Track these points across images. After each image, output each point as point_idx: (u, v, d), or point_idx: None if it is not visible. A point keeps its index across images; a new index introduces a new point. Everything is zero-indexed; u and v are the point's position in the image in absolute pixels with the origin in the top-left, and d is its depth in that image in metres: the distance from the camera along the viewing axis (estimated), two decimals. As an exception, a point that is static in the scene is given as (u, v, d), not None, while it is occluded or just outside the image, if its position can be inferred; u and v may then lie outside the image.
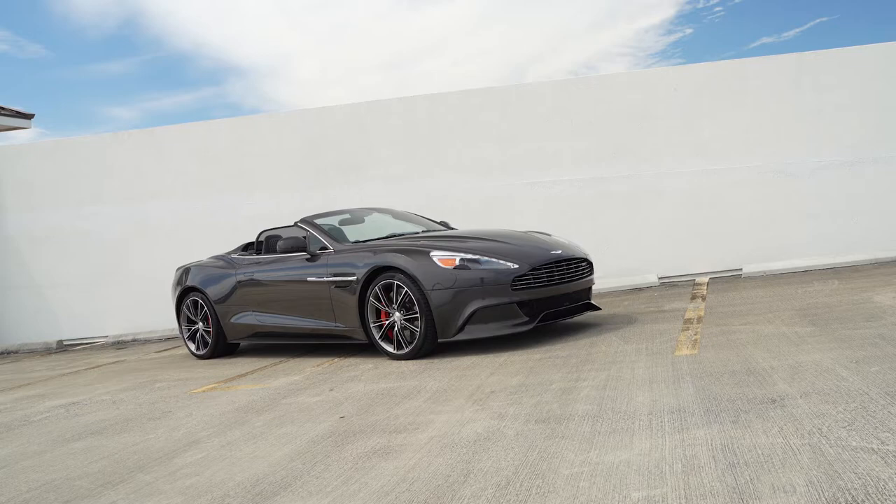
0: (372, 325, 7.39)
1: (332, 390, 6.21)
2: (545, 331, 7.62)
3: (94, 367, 9.83)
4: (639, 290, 10.79)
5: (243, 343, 9.21)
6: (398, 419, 4.96)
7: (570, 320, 7.96)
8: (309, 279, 7.99)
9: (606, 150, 11.49)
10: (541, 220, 11.15)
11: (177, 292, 9.46)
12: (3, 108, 20.33)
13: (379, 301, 7.30)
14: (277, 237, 8.64)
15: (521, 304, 6.99)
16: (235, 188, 12.66)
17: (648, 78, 11.63)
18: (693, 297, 9.11)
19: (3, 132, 19.59)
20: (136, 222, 13.10)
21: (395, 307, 7.18)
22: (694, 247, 11.30)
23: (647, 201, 11.39)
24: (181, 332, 9.50)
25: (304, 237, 8.24)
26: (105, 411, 6.60)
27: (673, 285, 10.79)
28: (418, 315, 7.02)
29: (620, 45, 41.80)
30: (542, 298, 7.13)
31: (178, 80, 45.81)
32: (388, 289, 7.23)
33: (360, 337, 7.54)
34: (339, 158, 12.34)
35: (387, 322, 7.29)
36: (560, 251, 7.44)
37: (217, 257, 9.34)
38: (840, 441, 3.40)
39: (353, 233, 8.58)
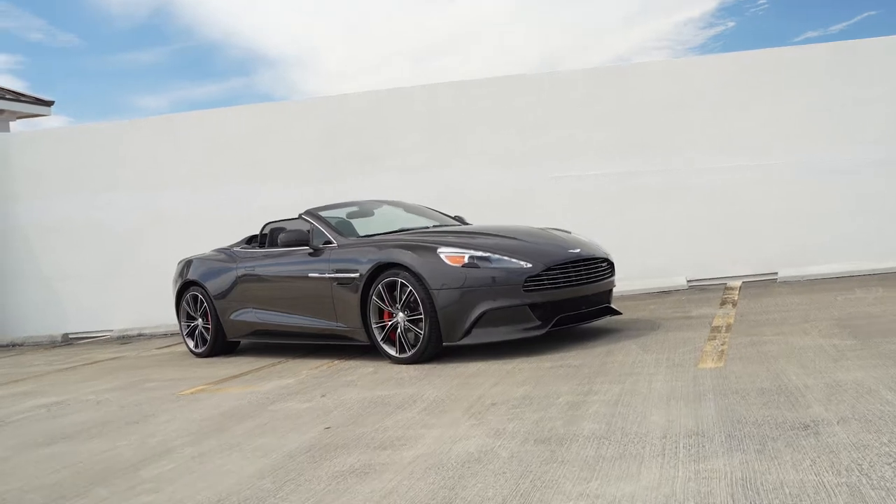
0: (374, 326, 6.97)
1: (323, 396, 5.79)
2: (560, 336, 7.16)
3: (90, 364, 9.51)
4: (666, 293, 10.28)
5: (244, 342, 8.81)
6: (386, 432, 4.53)
7: (588, 325, 7.48)
8: (310, 275, 7.58)
9: (636, 143, 10.97)
10: (564, 215, 10.65)
11: (177, 286, 9.11)
12: (22, 95, 20.20)
13: (382, 300, 6.88)
14: (282, 230, 8.23)
15: (533, 306, 6.53)
16: (250, 178, 12.28)
17: (684, 67, 11.11)
18: (723, 303, 8.59)
19: (23, 119, 19.48)
20: (149, 213, 12.77)
21: (399, 307, 6.76)
22: (726, 248, 10.76)
23: (677, 197, 10.86)
24: (181, 329, 9.13)
25: (309, 230, 7.83)
26: (86, 412, 6.24)
27: (702, 289, 10.27)
28: (423, 316, 6.58)
29: (658, 38, 41.10)
30: (557, 301, 6.67)
31: (207, 69, 45.76)
32: (391, 287, 6.80)
33: (362, 338, 7.12)
34: (356, 148, 11.93)
35: (390, 323, 6.86)
36: (578, 250, 6.97)
37: (219, 250, 8.96)
38: (884, 481, 2.92)
39: (361, 226, 8.17)
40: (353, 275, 7.12)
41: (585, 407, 4.58)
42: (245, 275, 8.32)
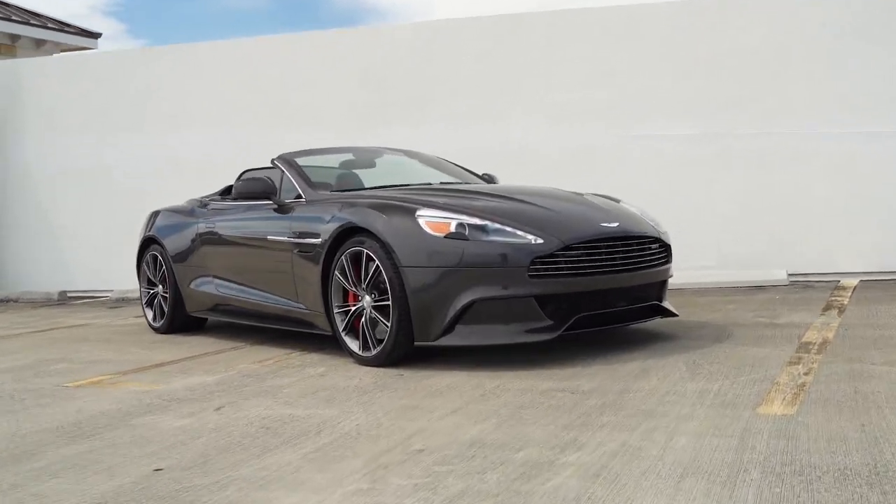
0: (336, 311, 5.38)
1: (218, 409, 4.26)
2: (585, 341, 5.45)
3: (51, 329, 8.29)
4: (757, 289, 8.37)
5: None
6: (224, 491, 2.96)
7: (629, 327, 5.72)
8: (269, 238, 6.05)
9: (730, 97, 9.04)
10: (635, 183, 8.85)
11: (139, 243, 7.70)
12: (67, 25, 19.19)
13: (346, 277, 5.29)
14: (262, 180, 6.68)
15: (542, 298, 4.83)
16: (277, 120, 10.80)
17: (797, 6, 9.07)
18: (826, 308, 6.70)
19: (67, 53, 18.44)
20: (164, 159, 11.43)
21: (365, 287, 5.15)
22: (844, 235, 8.77)
23: (782, 168, 8.89)
24: (140, 296, 7.74)
25: (280, 180, 6.30)
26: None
27: (806, 286, 8.32)
28: (390, 302, 4.96)
29: None
30: (578, 293, 4.96)
31: (309, 18, 44.65)
32: (356, 260, 5.21)
33: (323, 325, 5.56)
34: (396, 92, 10.32)
35: (354, 308, 5.26)
36: (616, 224, 5.23)
37: (191, 201, 7.50)
38: None
39: (353, 180, 6.59)
40: (314, 240, 5.56)
41: (547, 475, 2.91)
42: (205, 233, 6.86)
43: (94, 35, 19.37)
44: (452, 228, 4.90)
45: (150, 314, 7.52)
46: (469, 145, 9.44)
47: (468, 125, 9.90)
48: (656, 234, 5.46)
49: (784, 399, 3.77)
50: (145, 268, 7.56)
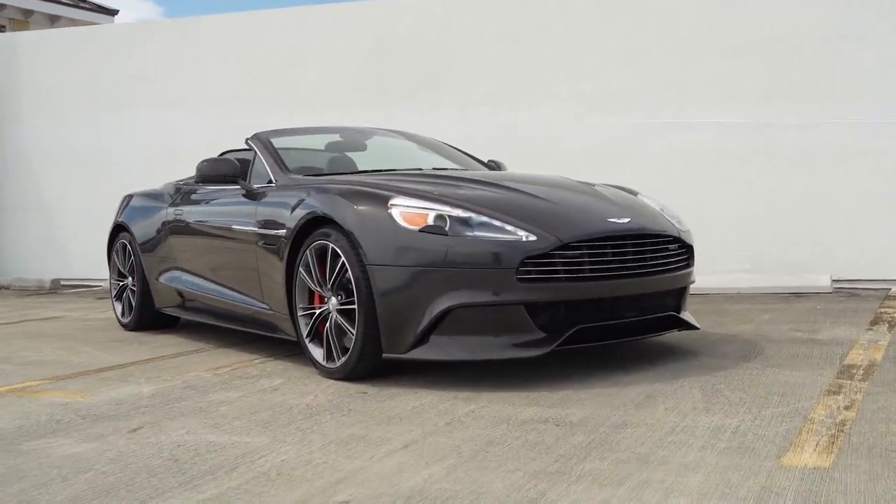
0: (300, 314, 4.70)
1: (134, 431, 3.61)
2: (587, 355, 4.72)
3: (18, 322, 7.78)
4: (799, 296, 7.58)
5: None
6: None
7: (642, 341, 4.98)
8: (234, 227, 5.39)
9: (772, 85, 8.22)
10: (664, 176, 8.13)
11: (110, 230, 7.08)
12: (83, 1, 18.68)
13: (310, 275, 4.60)
14: (243, 162, 6.00)
15: (533, 307, 4.12)
16: (277, 102, 10.16)
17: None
18: (874, 321, 5.91)
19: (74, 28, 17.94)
20: (161, 141, 10.83)
21: (330, 287, 4.46)
22: (896, 239, 7.95)
23: (830, 163, 8.06)
24: (110, 288, 7.12)
25: (252, 162, 5.64)
26: None
27: (852, 295, 7.51)
28: (356, 306, 4.26)
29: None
30: (579, 301, 4.23)
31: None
32: (322, 255, 4.51)
33: (288, 330, 4.88)
34: (407, 73, 9.61)
35: (319, 311, 4.58)
36: (627, 220, 4.48)
37: (167, 184, 6.85)
38: None
39: (339, 164, 5.92)
40: (278, 231, 4.88)
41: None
42: (172, 221, 6.22)
43: (111, 12, 18.89)
44: (430, 221, 4.19)
45: (118, 309, 6.90)
46: (485, 133, 8.75)
47: (482, 110, 9.17)
48: (676, 233, 4.70)
49: (818, 444, 3.02)
50: (115, 257, 6.95)
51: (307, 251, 4.60)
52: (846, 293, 7.62)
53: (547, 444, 3.15)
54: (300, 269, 4.66)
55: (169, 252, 6.22)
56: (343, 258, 4.33)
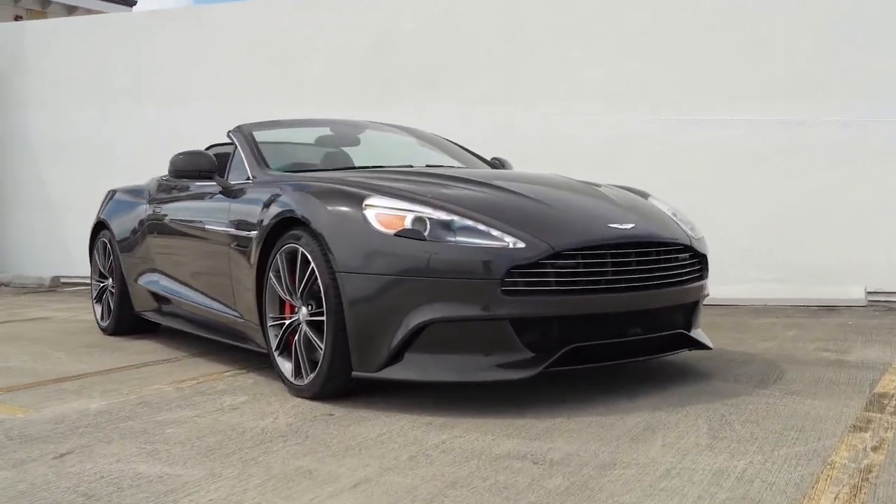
0: (270, 323, 4.29)
1: (60, 457, 3.25)
2: (586, 375, 4.27)
3: (4, 322, 7.48)
4: (829, 309, 7.08)
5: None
6: None
7: (651, 360, 4.51)
8: (207, 227, 5.00)
9: (806, 78, 7.70)
10: (686, 176, 7.68)
11: (91, 227, 6.73)
12: (99, -8, 18.44)
13: (280, 281, 4.19)
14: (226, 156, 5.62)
15: (521, 322, 3.68)
16: (283, 95, 9.80)
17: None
18: (912, 341, 5.42)
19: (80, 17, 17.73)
20: (166, 135, 10.46)
21: (299, 294, 4.05)
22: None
23: (867, 164, 7.53)
24: (91, 289, 6.77)
25: (232, 156, 5.25)
26: None
27: (888, 309, 7.01)
28: (325, 317, 3.85)
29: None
30: (573, 317, 3.78)
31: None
32: (293, 259, 4.10)
33: (258, 341, 4.48)
34: (410, 68, 9.21)
35: (288, 321, 4.17)
36: (631, 225, 4.02)
37: (152, 179, 6.48)
38: None
39: (330, 160, 5.51)
40: (249, 233, 4.48)
41: None
42: (150, 218, 5.86)
43: (130, 2, 18.65)
44: (407, 224, 3.76)
45: (98, 311, 6.55)
46: (492, 131, 8.34)
47: (488, 108, 8.73)
48: (687, 241, 4.24)
49: (837, 496, 2.57)
50: (96, 257, 6.59)
51: (277, 255, 4.20)
52: (882, 307, 7.10)
53: (517, 489, 2.71)
54: (270, 274, 4.26)
55: (147, 252, 5.85)
56: (313, 264, 3.92)
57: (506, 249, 3.68)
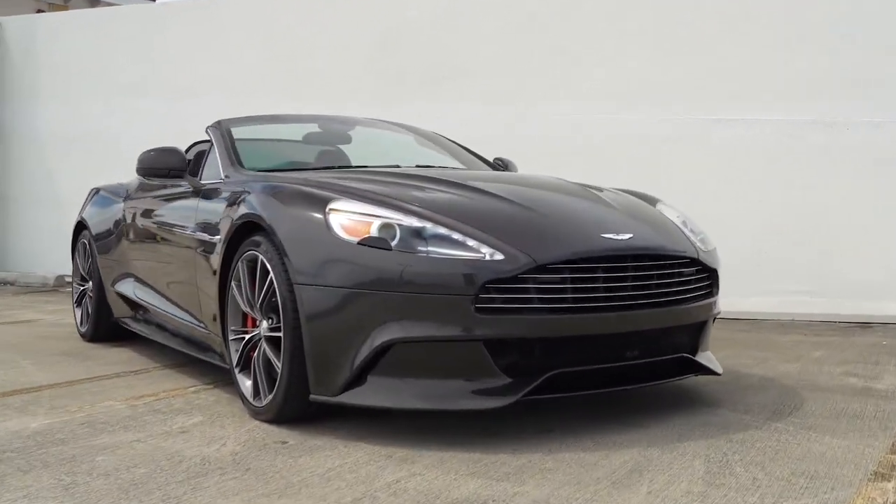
0: (231, 337, 3.93)
1: (-40, 490, 2.84)
2: (582, 403, 3.87)
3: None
4: (864, 326, 6.61)
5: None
6: None
7: (644, 388, 4.07)
8: (175, 230, 4.66)
9: (849, 75, 7.20)
10: (713, 181, 7.23)
11: (73, 228, 6.43)
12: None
13: (241, 291, 3.83)
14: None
15: (497, 344, 3.28)
16: (291, 91, 9.47)
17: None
18: (951, 366, 4.94)
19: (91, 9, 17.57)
20: (175, 130, 10.17)
21: (259, 306, 3.68)
22: None
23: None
24: (72, 292, 6.46)
25: (206, 153, 4.91)
26: None
27: (929, 328, 6.51)
28: (282, 333, 3.47)
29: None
30: (558, 339, 3.38)
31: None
32: (253, 268, 3.73)
33: (224, 355, 4.10)
34: (422, 63, 8.84)
35: (248, 336, 3.80)
36: (629, 235, 3.61)
37: (135, 178, 6.15)
38: None
39: (319, 159, 5.15)
40: (213, 237, 4.12)
41: None
42: (124, 219, 5.54)
43: (148, -4, 18.47)
44: (373, 231, 3.37)
45: (78, 316, 6.23)
46: (500, 131, 7.93)
47: (504, 105, 8.34)
48: (694, 254, 3.81)
49: (844, 571, 2.14)
50: (77, 258, 6.28)
51: (238, 262, 3.83)
52: (921, 325, 6.61)
53: (465, 547, 2.31)
54: (232, 283, 3.89)
55: (122, 255, 5.53)
56: (271, 273, 3.55)
57: (481, 262, 3.28)
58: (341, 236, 3.39)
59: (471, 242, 3.33)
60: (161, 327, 5.08)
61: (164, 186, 5.17)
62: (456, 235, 3.36)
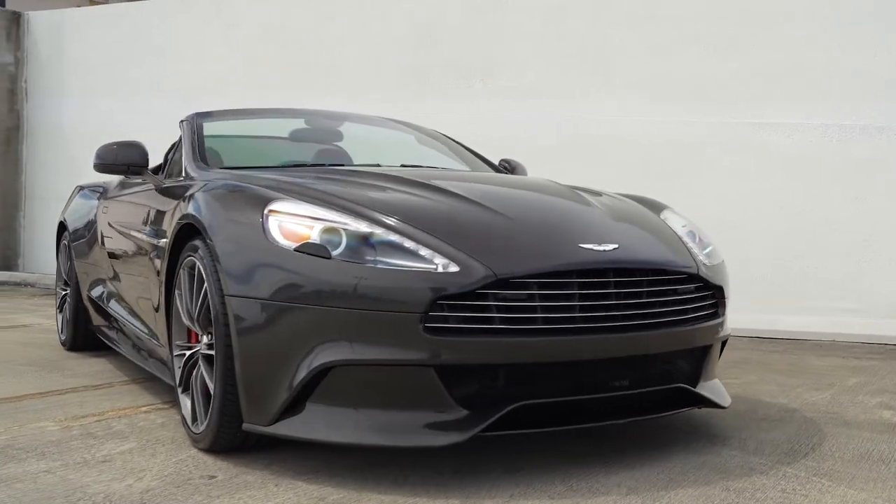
0: (175, 352, 3.53)
1: None
2: (565, 435, 3.39)
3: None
4: (912, 349, 6.02)
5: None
6: None
7: (639, 421, 3.56)
8: (133, 233, 4.30)
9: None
10: (743, 189, 6.69)
11: (56, 229, 6.11)
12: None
13: (181, 301, 3.43)
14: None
15: (451, 371, 2.82)
16: (312, 86, 9.18)
17: None
18: None
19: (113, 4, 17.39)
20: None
21: (196, 319, 3.27)
22: None
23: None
24: (56, 297, 6.15)
25: (175, 148, 4.55)
26: None
27: (984, 352, 5.90)
28: (215, 350, 3.06)
29: None
30: (525, 365, 2.91)
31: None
32: (192, 276, 3.33)
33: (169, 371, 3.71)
34: (454, 57, 8.43)
35: (190, 352, 3.39)
36: (613, 246, 3.13)
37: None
38: None
39: (305, 157, 4.75)
40: (160, 241, 3.74)
41: None
42: (96, 220, 5.19)
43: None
44: (313, 236, 2.95)
45: (59, 322, 5.91)
46: (534, 129, 7.49)
47: (538, 102, 7.89)
48: (693, 268, 3.31)
49: None
50: (60, 261, 5.95)
51: (180, 269, 3.43)
52: (976, 349, 6.01)
53: None
54: (175, 292, 3.50)
55: (94, 259, 5.18)
56: (206, 282, 3.14)
57: (433, 274, 2.83)
58: (278, 241, 2.97)
59: (423, 252, 2.89)
60: (127, 338, 4.71)
61: (137, 184, 4.80)
62: (408, 244, 2.92)
